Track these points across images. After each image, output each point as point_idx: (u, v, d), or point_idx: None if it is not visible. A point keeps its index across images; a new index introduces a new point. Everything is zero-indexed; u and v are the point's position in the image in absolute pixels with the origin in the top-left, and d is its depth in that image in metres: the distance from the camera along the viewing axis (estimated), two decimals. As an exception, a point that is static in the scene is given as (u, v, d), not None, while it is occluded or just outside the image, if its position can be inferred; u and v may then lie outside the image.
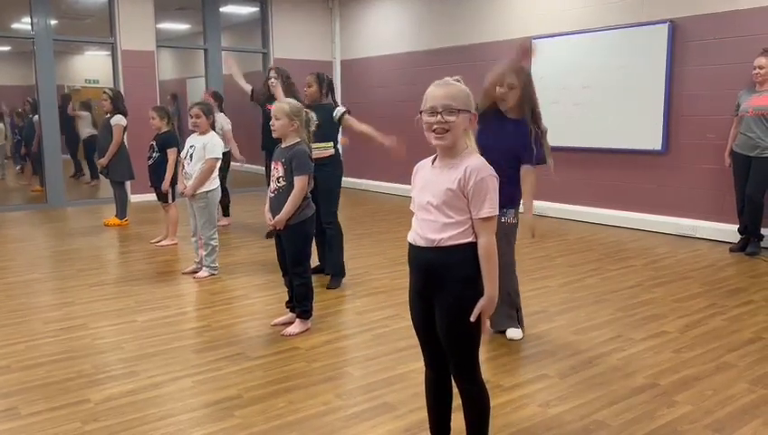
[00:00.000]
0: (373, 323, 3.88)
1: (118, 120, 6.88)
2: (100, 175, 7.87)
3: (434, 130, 2.00)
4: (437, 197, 2.01)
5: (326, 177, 4.55)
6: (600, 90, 7.04)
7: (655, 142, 6.63)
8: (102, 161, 6.94)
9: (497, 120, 3.47)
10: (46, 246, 6.27)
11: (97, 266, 5.37)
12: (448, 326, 2.04)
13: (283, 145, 3.70)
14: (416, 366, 3.19)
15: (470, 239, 1.99)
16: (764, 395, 2.87)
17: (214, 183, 4.92)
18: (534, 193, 3.49)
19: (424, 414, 2.32)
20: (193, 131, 5.00)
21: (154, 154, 5.94)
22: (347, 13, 10.68)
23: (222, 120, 6.93)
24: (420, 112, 2.02)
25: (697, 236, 6.33)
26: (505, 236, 3.51)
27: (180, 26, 12.70)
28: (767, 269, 5.15)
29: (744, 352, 3.39)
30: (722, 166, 5.95)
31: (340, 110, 4.71)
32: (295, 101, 3.84)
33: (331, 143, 4.69)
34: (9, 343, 3.55)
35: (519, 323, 3.66)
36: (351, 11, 10.58)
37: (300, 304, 3.74)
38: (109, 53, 9.31)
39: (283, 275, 3.89)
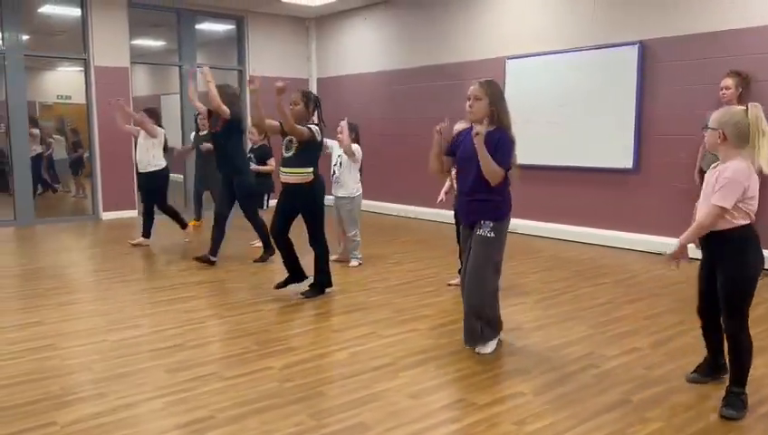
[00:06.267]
0: (348, 342, 3.85)
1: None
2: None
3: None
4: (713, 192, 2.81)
5: (306, 202, 4.60)
6: (573, 109, 7.16)
7: (626, 161, 6.75)
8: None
9: (468, 134, 3.55)
10: (14, 265, 6.13)
11: (64, 284, 5.27)
12: (725, 293, 2.86)
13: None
14: (391, 385, 3.18)
15: (738, 223, 2.79)
16: (734, 411, 2.91)
17: (358, 189, 5.74)
18: (482, 154, 3.36)
19: (399, 433, 2.30)
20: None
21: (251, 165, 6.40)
22: (323, 31, 10.74)
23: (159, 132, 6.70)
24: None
25: (668, 253, 6.41)
26: (483, 249, 3.52)
27: (156, 43, 12.64)
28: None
29: (714, 367, 3.44)
30: (692, 184, 6.05)
31: (316, 127, 4.63)
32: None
33: (311, 169, 4.63)
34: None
35: (487, 337, 3.64)
36: (328, 29, 10.64)
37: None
38: (81, 69, 9.22)
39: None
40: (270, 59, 10.44)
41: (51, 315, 4.39)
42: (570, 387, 3.17)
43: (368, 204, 9.48)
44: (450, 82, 8.52)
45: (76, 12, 8.95)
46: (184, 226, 6.97)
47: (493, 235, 3.52)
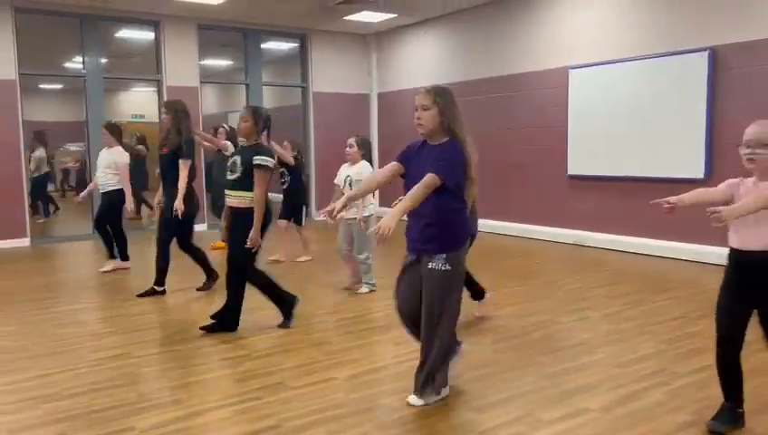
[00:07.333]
0: (410, 354, 3.85)
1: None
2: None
3: (747, 159, 2.67)
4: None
5: (239, 226, 4.26)
6: (640, 118, 6.98)
7: (696, 170, 6.52)
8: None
9: (420, 150, 3.11)
10: (93, 276, 6.45)
11: (131, 295, 5.51)
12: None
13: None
14: (455, 399, 3.18)
15: None
16: (818, 433, 2.76)
17: (370, 209, 5.34)
18: (411, 203, 2.89)
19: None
20: None
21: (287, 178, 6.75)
22: (384, 46, 10.88)
23: (117, 154, 6.48)
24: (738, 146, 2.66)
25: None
26: (438, 286, 3.01)
27: (223, 62, 13.11)
28: (819, 301, 4.96)
29: (796, 387, 3.28)
30: (768, 194, 5.80)
31: (264, 159, 4.20)
32: None
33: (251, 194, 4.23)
34: (59, 371, 3.66)
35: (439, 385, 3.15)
36: (388, 45, 10.78)
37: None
38: (155, 89, 9.66)
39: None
40: (332, 75, 10.67)
41: (125, 325, 4.60)
42: (639, 404, 3.08)
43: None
44: (511, 94, 8.48)
45: (150, 35, 9.42)
46: (125, 257, 6.75)
47: (449, 267, 2.99)
